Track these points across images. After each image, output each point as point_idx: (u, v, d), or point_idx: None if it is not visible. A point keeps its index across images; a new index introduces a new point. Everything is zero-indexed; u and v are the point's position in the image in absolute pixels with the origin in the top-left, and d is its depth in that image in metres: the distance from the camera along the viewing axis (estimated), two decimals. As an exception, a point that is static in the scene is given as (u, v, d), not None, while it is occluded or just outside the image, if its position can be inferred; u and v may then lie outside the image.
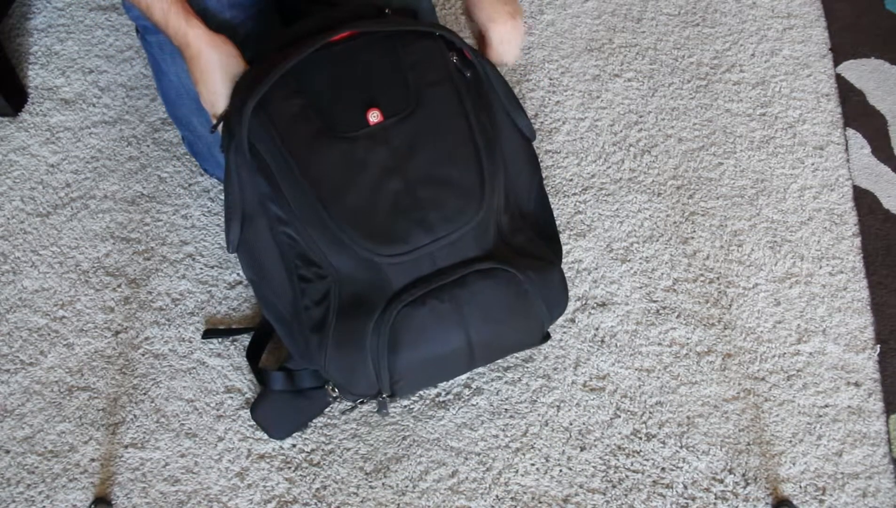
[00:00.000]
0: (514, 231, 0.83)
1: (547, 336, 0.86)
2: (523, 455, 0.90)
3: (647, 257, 1.03)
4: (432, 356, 0.78)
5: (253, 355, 0.93)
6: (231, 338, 0.96)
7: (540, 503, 0.87)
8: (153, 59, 0.90)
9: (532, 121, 1.13)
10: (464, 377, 0.94)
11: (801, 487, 0.88)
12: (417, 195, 0.74)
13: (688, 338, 0.97)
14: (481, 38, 0.88)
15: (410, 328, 0.75)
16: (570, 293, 0.99)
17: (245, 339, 0.96)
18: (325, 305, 0.79)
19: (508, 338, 0.81)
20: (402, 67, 0.77)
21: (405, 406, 0.92)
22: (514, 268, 0.77)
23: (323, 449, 0.90)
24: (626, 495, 0.87)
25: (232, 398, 0.93)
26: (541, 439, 0.91)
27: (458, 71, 0.80)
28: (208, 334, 0.96)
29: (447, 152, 0.76)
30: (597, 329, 0.97)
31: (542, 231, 0.89)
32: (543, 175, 1.08)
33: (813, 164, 1.10)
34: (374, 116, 0.75)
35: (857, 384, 0.94)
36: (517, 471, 0.89)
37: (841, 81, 1.18)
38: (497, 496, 0.87)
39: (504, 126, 0.85)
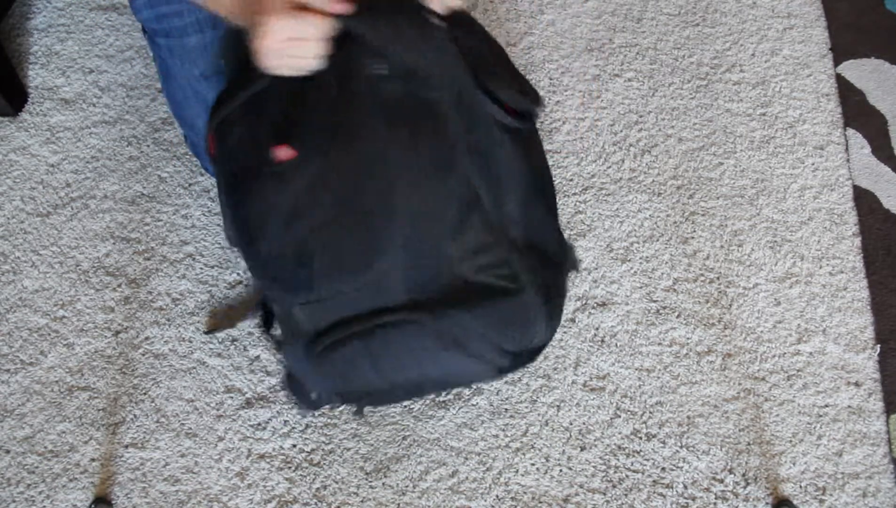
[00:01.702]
0: (472, 254, 0.73)
1: (518, 364, 0.79)
2: (523, 454, 0.90)
3: (647, 257, 1.03)
4: (363, 392, 0.78)
5: (267, 324, 0.90)
6: (231, 339, 0.96)
7: (540, 503, 0.87)
8: (162, 61, 0.90)
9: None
10: (464, 376, 0.94)
11: (801, 487, 0.88)
12: (317, 243, 0.69)
13: (688, 338, 0.97)
14: None
15: (330, 369, 0.75)
16: (570, 293, 0.99)
17: (246, 339, 0.96)
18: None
19: (445, 378, 0.79)
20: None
21: (405, 406, 0.92)
22: (434, 316, 0.71)
23: (323, 449, 0.90)
24: (626, 495, 0.88)
25: (232, 398, 0.93)
26: (541, 439, 0.91)
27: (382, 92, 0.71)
28: (212, 330, 0.96)
29: (351, 193, 0.69)
30: (597, 329, 0.97)
31: (527, 243, 0.78)
32: (543, 175, 1.08)
33: (813, 164, 1.10)
34: (283, 153, 0.69)
35: (857, 384, 0.94)
36: (517, 471, 0.89)
37: (841, 81, 1.18)
38: (497, 496, 0.87)
39: (459, 134, 0.72)
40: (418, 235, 0.70)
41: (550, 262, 0.79)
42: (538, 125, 1.13)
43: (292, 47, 0.63)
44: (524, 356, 0.80)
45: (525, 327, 0.76)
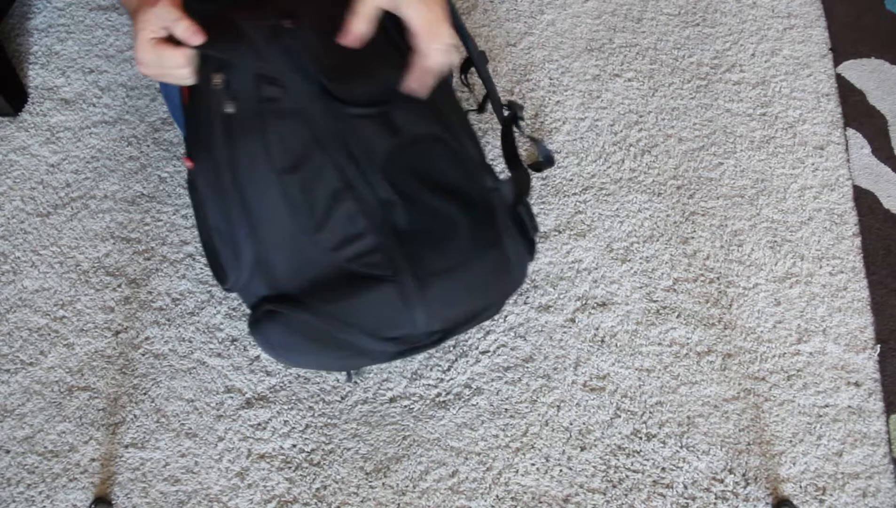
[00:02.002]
0: (344, 243, 0.75)
1: (412, 350, 0.82)
2: (523, 454, 0.90)
3: (647, 257, 1.03)
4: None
5: None
6: (231, 339, 0.96)
7: (540, 503, 0.87)
8: None
9: (532, 121, 1.13)
10: (464, 376, 0.94)
11: (801, 487, 0.88)
12: (218, 242, 0.78)
13: (688, 338, 0.97)
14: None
15: (267, 346, 0.80)
16: (570, 293, 0.99)
17: (246, 339, 0.96)
18: None
19: (340, 362, 0.81)
20: None
21: (405, 406, 0.92)
22: (291, 307, 0.75)
23: (323, 449, 0.90)
24: (626, 495, 0.88)
25: (232, 398, 0.93)
26: (541, 439, 0.91)
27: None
28: None
29: (220, 201, 0.77)
30: (597, 329, 0.97)
31: (412, 227, 0.77)
32: (543, 175, 1.09)
33: (813, 164, 1.10)
34: (188, 163, 0.77)
35: (857, 384, 0.94)
36: (517, 471, 0.89)
37: (841, 81, 1.18)
38: (497, 496, 0.87)
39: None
40: (284, 230, 0.75)
41: (444, 242, 0.77)
42: (539, 125, 1.13)
43: (163, 74, 0.71)
44: (418, 342, 0.79)
45: (397, 315, 0.76)
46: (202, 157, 0.76)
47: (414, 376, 0.94)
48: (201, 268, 1.01)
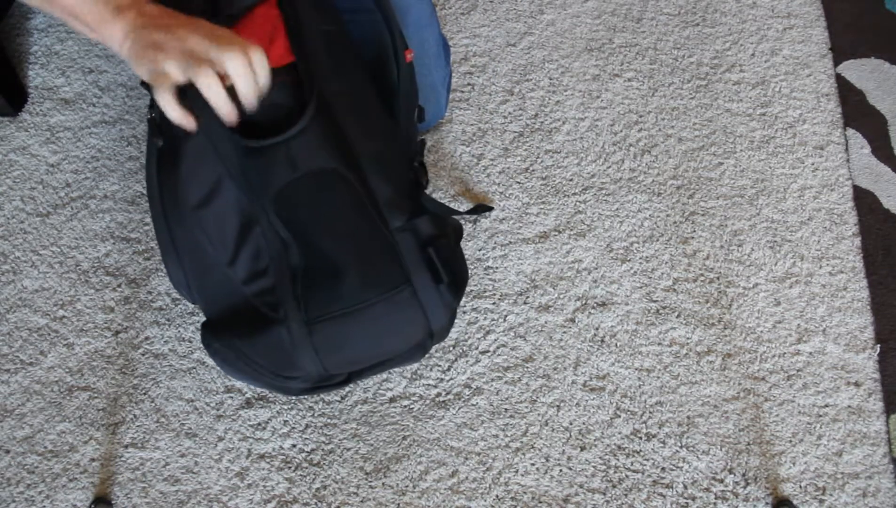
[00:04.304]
0: (251, 278, 0.78)
1: (315, 389, 0.81)
2: (523, 454, 0.90)
3: (647, 257, 1.03)
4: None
5: None
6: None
7: (540, 503, 0.87)
8: None
9: (532, 121, 1.13)
10: (464, 376, 0.94)
11: (801, 487, 0.88)
12: None
13: (688, 338, 0.97)
14: None
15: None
16: (570, 293, 1.00)
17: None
18: None
19: (260, 384, 0.83)
20: None
21: (405, 406, 0.92)
22: (211, 334, 0.80)
23: (323, 449, 0.90)
24: (626, 495, 0.88)
25: (232, 398, 0.93)
26: (541, 439, 0.91)
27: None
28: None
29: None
30: (597, 329, 0.97)
31: (307, 266, 0.77)
32: (543, 175, 1.09)
33: (813, 164, 1.10)
34: None
35: (857, 384, 0.94)
36: (517, 471, 0.89)
37: (841, 81, 1.18)
38: (497, 496, 0.87)
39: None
40: (205, 261, 0.78)
41: (335, 286, 0.75)
42: (539, 124, 1.13)
43: None
44: (324, 381, 0.80)
45: (288, 358, 0.76)
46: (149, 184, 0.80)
47: (414, 376, 0.94)
48: (201, 268, 1.01)
